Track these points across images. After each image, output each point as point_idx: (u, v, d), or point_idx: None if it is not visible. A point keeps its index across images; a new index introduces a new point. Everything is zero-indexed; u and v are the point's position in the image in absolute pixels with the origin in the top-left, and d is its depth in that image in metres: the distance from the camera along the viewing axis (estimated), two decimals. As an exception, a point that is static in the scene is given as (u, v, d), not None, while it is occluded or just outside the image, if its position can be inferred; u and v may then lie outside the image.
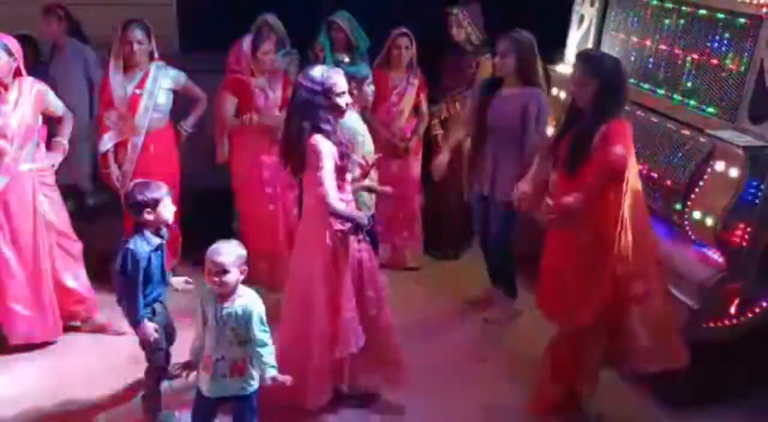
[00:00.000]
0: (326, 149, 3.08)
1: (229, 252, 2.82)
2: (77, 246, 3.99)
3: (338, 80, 3.15)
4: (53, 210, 3.86)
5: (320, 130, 3.10)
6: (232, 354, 2.90)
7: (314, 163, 3.08)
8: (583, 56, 3.37)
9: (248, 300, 2.89)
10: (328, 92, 3.10)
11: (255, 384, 3.00)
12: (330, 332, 3.25)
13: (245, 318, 2.86)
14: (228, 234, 3.51)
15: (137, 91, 4.13)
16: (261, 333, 2.88)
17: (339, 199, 3.11)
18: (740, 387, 3.63)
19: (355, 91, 3.71)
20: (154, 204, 3.12)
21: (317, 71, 3.15)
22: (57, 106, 3.90)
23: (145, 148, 4.21)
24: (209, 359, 2.92)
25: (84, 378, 3.68)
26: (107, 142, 4.22)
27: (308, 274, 3.26)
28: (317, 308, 3.24)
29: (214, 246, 2.86)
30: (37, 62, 5.13)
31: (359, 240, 3.29)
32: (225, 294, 2.86)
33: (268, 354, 2.90)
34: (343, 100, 3.18)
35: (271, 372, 2.89)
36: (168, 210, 3.18)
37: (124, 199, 3.19)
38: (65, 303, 3.98)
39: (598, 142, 3.13)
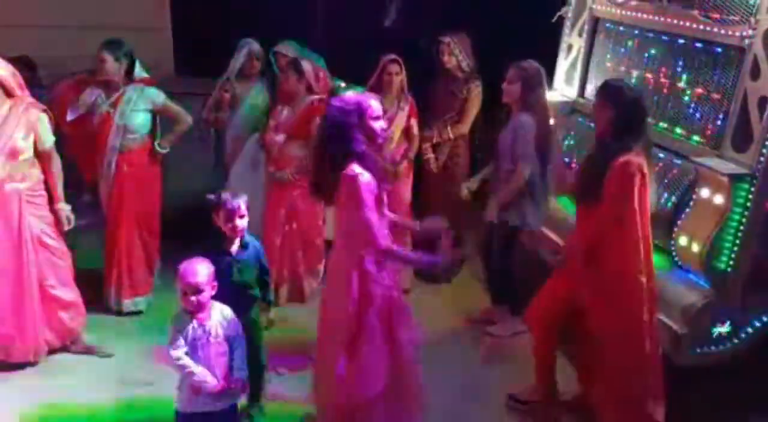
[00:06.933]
0: (364, 183, 2.88)
1: (201, 272, 2.83)
2: (67, 256, 3.91)
3: (373, 104, 2.99)
4: (40, 225, 3.74)
5: (356, 155, 2.91)
6: (219, 366, 2.90)
7: (353, 202, 2.91)
8: (602, 84, 3.39)
9: (223, 307, 2.94)
10: (361, 113, 2.94)
11: (237, 397, 3.03)
12: (347, 378, 3.07)
13: (232, 323, 2.91)
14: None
15: (110, 111, 4.14)
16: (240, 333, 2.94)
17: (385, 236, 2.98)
18: (732, 412, 3.62)
19: None
20: (244, 212, 3.15)
21: (350, 93, 3.05)
22: (44, 139, 3.69)
23: (118, 167, 4.22)
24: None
25: (69, 399, 3.63)
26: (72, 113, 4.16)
27: (338, 311, 3.11)
28: (339, 349, 3.08)
29: (185, 267, 2.85)
30: (36, 86, 5.15)
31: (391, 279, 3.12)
32: (202, 311, 2.87)
33: (239, 356, 2.95)
34: (378, 125, 3.00)
35: (239, 374, 2.95)
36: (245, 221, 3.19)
37: (217, 206, 3.14)
38: (57, 317, 3.87)
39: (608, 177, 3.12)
